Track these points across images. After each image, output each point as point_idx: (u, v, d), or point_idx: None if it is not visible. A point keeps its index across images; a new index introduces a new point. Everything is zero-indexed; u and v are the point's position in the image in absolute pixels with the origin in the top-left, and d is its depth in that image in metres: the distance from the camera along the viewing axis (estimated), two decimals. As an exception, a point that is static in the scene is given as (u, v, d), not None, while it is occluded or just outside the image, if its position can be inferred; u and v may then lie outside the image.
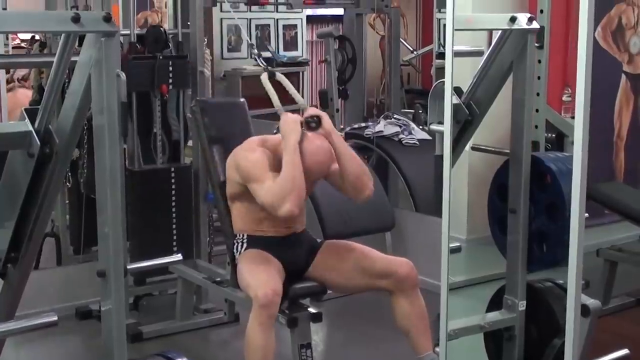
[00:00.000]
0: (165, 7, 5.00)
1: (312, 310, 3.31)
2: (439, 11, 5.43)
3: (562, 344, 2.59)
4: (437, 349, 3.05)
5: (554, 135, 4.43)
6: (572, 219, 2.43)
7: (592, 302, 2.83)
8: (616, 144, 5.09)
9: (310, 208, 4.46)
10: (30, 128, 2.35)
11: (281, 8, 7.29)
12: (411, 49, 7.16)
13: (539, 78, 3.65)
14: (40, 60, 4.53)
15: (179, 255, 3.01)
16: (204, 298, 4.44)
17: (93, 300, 4.17)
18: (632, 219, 4.11)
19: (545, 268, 3.26)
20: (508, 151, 3.17)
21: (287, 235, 3.34)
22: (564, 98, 4.86)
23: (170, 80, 4.22)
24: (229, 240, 3.45)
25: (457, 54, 2.76)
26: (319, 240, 3.45)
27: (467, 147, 3.64)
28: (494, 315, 3.20)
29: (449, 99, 2.75)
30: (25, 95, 5.26)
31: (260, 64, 3.86)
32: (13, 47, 5.51)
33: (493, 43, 3.17)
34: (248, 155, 3.25)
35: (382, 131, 5.46)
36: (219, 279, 3.84)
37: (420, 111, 5.72)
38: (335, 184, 3.31)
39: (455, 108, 2.97)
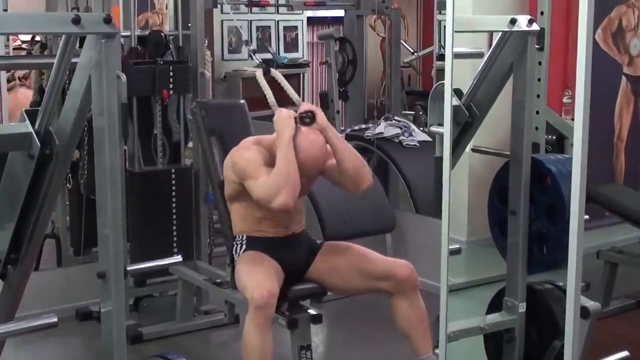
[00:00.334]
0: (166, 8, 5.00)
1: (312, 311, 3.31)
2: (440, 13, 5.43)
3: (562, 346, 2.59)
4: (436, 351, 3.05)
5: (554, 137, 4.43)
6: (572, 220, 2.43)
7: (591, 304, 2.83)
8: (616, 146, 5.08)
9: (310, 209, 4.46)
10: (31, 129, 2.35)
11: (282, 10, 7.28)
12: (412, 51, 7.17)
13: (539, 80, 3.65)
14: (40, 61, 4.53)
15: (179, 256, 3.00)
16: (204, 299, 4.45)
17: (93, 301, 4.16)
18: (633, 221, 4.11)
19: (546, 270, 3.26)
20: (508, 153, 3.17)
21: (286, 236, 3.34)
22: (565, 100, 4.86)
23: (171, 86, 4.23)
24: (229, 242, 3.46)
25: (457, 55, 2.76)
26: (318, 242, 3.45)
27: (468, 149, 3.63)
28: (494, 317, 3.20)
29: (449, 101, 2.75)
30: (25, 95, 5.26)
31: (255, 60, 3.86)
32: (14, 49, 5.52)
33: (493, 45, 3.17)
34: (243, 153, 3.26)
35: (382, 133, 5.47)
36: (219, 280, 3.84)
37: (421, 113, 5.72)
38: (333, 179, 3.31)
39: (456, 110, 2.97)
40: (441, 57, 5.03)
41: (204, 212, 4.46)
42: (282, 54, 7.48)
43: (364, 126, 5.76)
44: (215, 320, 4.32)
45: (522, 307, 3.14)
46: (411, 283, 3.23)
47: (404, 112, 6.21)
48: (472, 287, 4.41)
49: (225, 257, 3.66)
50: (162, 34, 4.36)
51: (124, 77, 3.80)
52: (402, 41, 6.54)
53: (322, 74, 8.13)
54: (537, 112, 3.68)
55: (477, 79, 3.20)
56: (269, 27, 7.54)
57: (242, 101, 4.07)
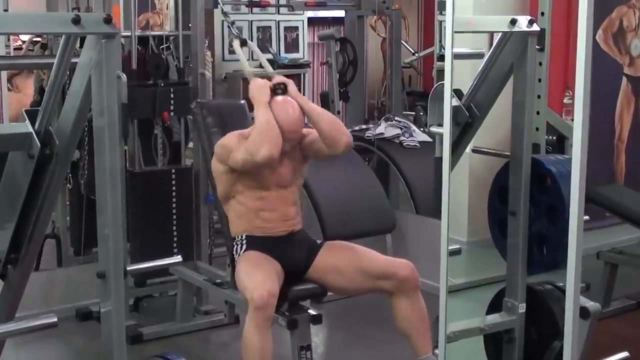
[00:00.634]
0: (167, 8, 5.00)
1: (312, 312, 3.31)
2: (440, 13, 5.43)
3: (561, 347, 2.59)
4: (436, 351, 3.05)
5: (554, 137, 4.43)
6: (571, 221, 2.42)
7: (591, 304, 2.83)
8: (617, 147, 5.09)
9: (311, 209, 4.46)
10: (31, 129, 2.36)
11: (282, 10, 7.28)
12: (412, 51, 7.17)
13: (539, 80, 3.64)
14: (40, 61, 4.53)
15: (179, 256, 3.00)
16: (204, 300, 4.45)
17: (93, 301, 4.15)
18: (633, 221, 4.11)
19: (546, 270, 3.25)
20: (508, 153, 3.17)
21: (286, 235, 3.34)
22: (565, 100, 4.86)
23: (172, 107, 4.24)
24: (229, 242, 3.45)
25: (457, 56, 2.76)
26: (318, 242, 3.45)
27: (468, 150, 3.63)
28: (493, 318, 3.20)
29: (449, 101, 2.75)
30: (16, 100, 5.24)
31: (233, 32, 3.92)
32: (15, 49, 5.51)
33: (494, 45, 3.17)
34: (222, 140, 3.38)
35: (383, 133, 5.47)
36: (219, 280, 3.85)
37: (421, 113, 5.73)
38: (313, 149, 3.36)
39: (456, 110, 2.97)
40: (442, 57, 4.98)
41: (204, 213, 4.46)
42: (282, 54, 7.49)
43: (364, 127, 5.76)
44: (215, 321, 4.32)
45: (522, 308, 3.14)
46: (412, 283, 3.22)
47: (404, 112, 6.21)
48: (472, 287, 4.41)
49: (225, 257, 3.66)
50: (162, 55, 4.34)
51: (124, 77, 3.80)
52: (402, 42, 6.54)
53: (322, 75, 8.13)
54: (538, 113, 3.67)
55: (477, 79, 3.20)
56: (270, 27, 7.54)
57: (242, 101, 4.08)
